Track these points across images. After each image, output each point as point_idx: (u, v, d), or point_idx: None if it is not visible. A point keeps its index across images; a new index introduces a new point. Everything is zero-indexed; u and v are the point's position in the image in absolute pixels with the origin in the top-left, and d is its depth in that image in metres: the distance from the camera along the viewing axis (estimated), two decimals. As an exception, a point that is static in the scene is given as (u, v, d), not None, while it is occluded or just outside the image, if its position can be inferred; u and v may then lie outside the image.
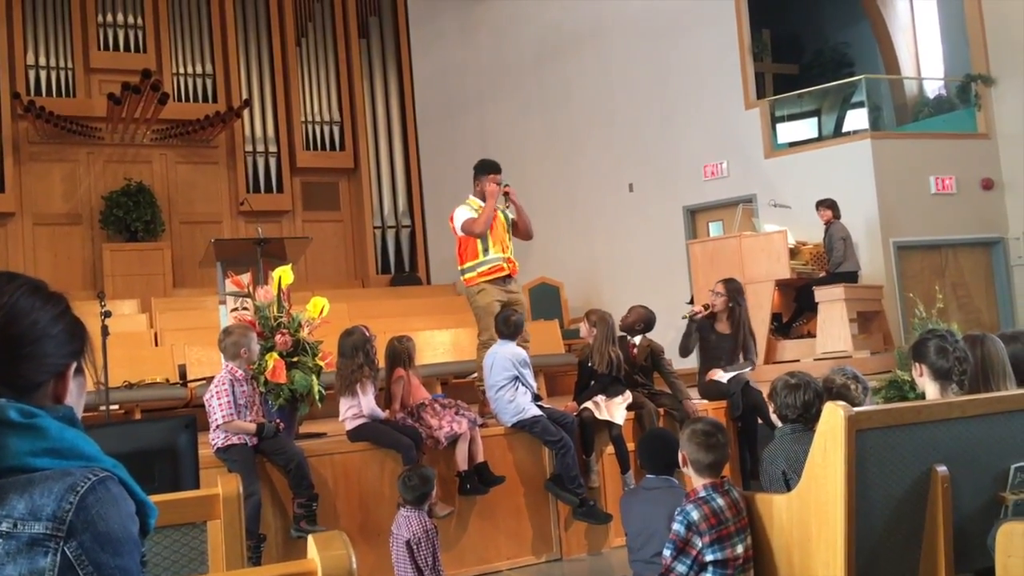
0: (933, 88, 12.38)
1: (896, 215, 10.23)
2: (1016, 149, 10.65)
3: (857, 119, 11.13)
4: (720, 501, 3.12)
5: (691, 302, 10.18)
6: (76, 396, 1.30)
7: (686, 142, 11.53)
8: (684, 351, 6.91)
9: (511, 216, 6.65)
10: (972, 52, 11.07)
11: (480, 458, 5.56)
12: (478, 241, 6.41)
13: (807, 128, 11.47)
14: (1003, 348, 3.46)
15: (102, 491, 1.17)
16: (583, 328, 6.27)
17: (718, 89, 11.33)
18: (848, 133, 11.03)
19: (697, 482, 3.22)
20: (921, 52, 12.71)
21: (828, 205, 9.53)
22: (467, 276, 6.50)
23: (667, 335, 9.75)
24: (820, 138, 11.24)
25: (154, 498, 1.33)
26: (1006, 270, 10.68)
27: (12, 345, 1.22)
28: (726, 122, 11.23)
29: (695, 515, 3.08)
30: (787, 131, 11.41)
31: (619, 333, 6.38)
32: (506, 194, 6.50)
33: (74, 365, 1.29)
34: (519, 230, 6.68)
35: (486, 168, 6.57)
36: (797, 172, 10.63)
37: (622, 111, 12.07)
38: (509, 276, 6.45)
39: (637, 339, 6.53)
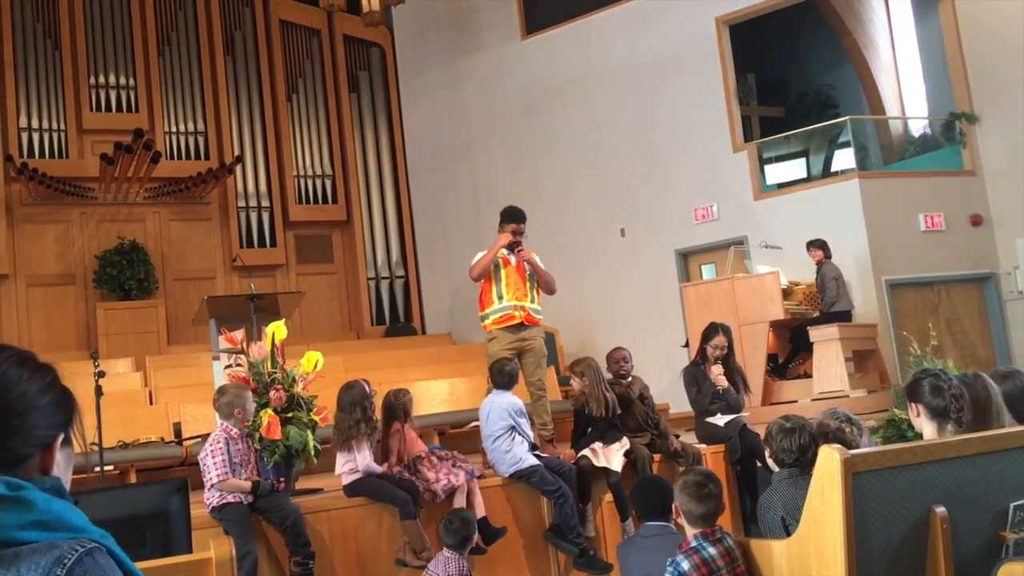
0: (918, 127, 12.51)
1: (887, 253, 10.28)
2: (1003, 185, 10.74)
3: (844, 159, 11.23)
4: (712, 550, 3.09)
5: (686, 345, 10.18)
6: (64, 467, 1.30)
7: (675, 186, 11.61)
8: (702, 408, 6.79)
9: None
10: (955, 90, 11.21)
11: (481, 512, 5.50)
12: (493, 288, 6.44)
13: (795, 169, 11.58)
14: (995, 385, 3.46)
15: (89, 563, 1.16)
16: (575, 383, 6.30)
17: (705, 133, 11.44)
18: (836, 173, 11.12)
19: (690, 532, 3.19)
20: (904, 92, 12.86)
21: (819, 245, 9.59)
22: (484, 323, 6.54)
23: (662, 378, 9.78)
24: (808, 179, 11.33)
25: (145, 564, 1.32)
26: (999, 305, 10.71)
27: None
28: (714, 165, 11.33)
29: (685, 565, 3.06)
30: (775, 173, 11.51)
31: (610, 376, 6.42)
32: (511, 246, 6.50)
33: (61, 436, 1.29)
34: (540, 285, 6.66)
35: (504, 216, 6.65)
36: (787, 213, 10.70)
37: (610, 157, 12.18)
38: (523, 324, 6.43)
39: (630, 379, 6.57)
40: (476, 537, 5.00)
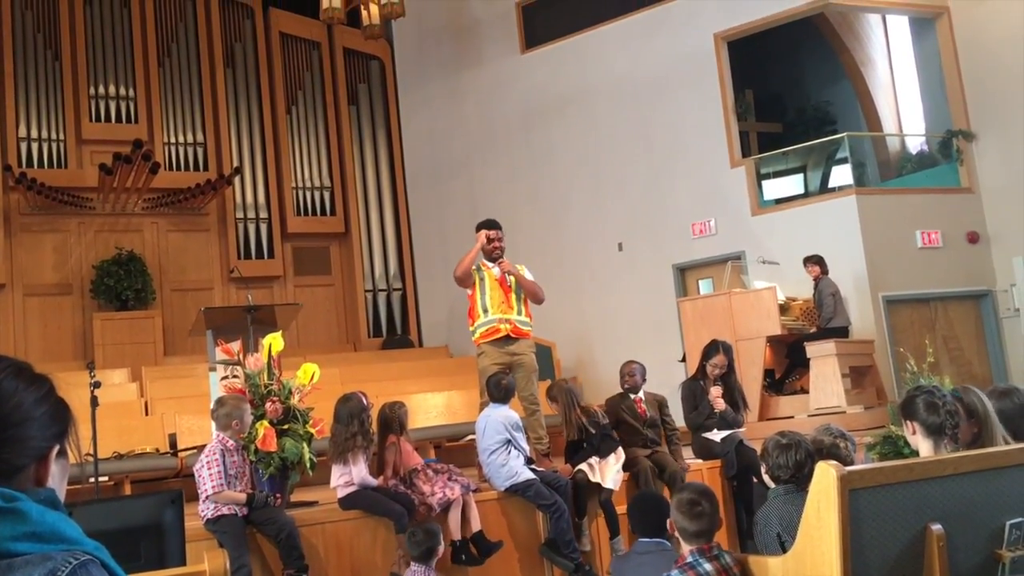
0: (915, 144, 12.56)
1: (884, 270, 10.30)
2: (999, 202, 10.77)
3: (842, 175, 11.26)
4: (708, 566, 3.08)
5: (683, 360, 10.18)
6: (59, 478, 1.29)
7: (673, 201, 11.64)
8: (697, 425, 6.78)
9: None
10: (952, 108, 11.27)
11: (477, 526, 5.48)
12: (478, 302, 6.44)
13: (792, 185, 11.60)
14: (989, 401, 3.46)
15: (83, 575, 1.16)
16: (553, 407, 6.30)
17: (703, 148, 11.47)
18: (833, 189, 11.16)
19: (685, 548, 3.18)
20: (902, 109, 12.91)
21: (816, 261, 9.60)
22: (473, 337, 6.53)
23: (660, 393, 9.75)
24: (806, 195, 11.36)
25: (139, 577, 1.31)
26: (996, 322, 10.72)
27: (-5, 428, 1.21)
28: (712, 181, 11.35)
29: (681, 581, 3.04)
30: (773, 188, 11.54)
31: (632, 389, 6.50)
32: (492, 257, 6.51)
33: (57, 447, 1.28)
34: (526, 296, 6.64)
35: (478, 225, 6.67)
36: (784, 229, 10.72)
37: (609, 172, 12.20)
38: (509, 337, 6.42)
39: (641, 394, 6.56)
40: (442, 548, 4.97)
